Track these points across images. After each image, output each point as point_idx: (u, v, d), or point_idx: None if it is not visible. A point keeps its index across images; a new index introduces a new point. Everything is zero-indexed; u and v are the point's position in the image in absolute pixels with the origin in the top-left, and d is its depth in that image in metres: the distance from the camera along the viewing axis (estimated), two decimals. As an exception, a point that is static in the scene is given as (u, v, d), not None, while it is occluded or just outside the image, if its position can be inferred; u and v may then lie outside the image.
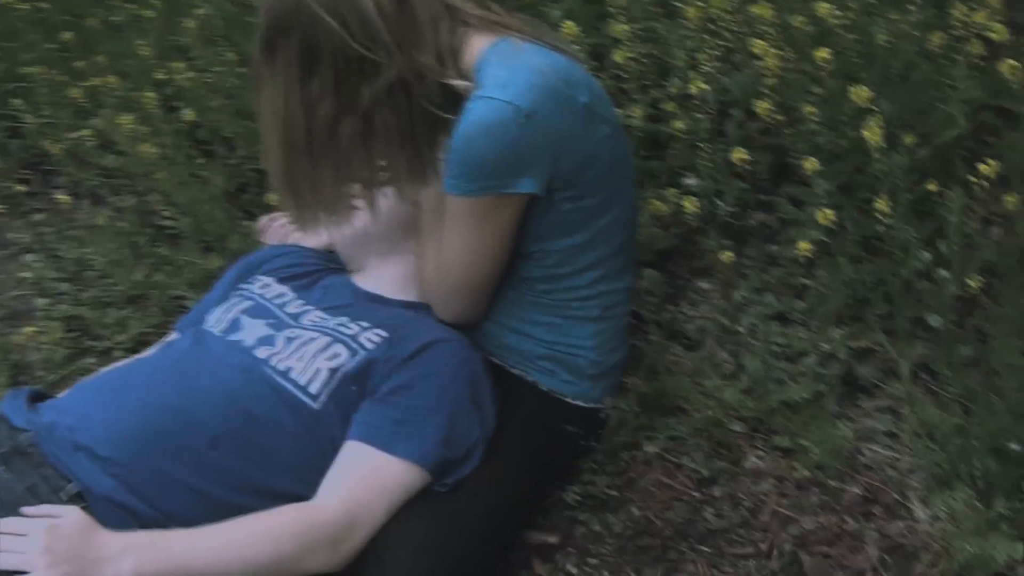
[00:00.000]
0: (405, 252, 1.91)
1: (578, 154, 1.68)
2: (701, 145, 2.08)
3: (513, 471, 1.75)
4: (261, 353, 1.72)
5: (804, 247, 1.89)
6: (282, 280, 1.92)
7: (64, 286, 2.54)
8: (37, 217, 2.80)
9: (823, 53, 1.85)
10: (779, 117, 1.96)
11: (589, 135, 1.70)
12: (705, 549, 1.78)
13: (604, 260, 1.81)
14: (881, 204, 1.79)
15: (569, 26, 2.05)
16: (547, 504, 1.86)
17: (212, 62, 2.46)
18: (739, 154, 1.96)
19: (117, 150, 2.55)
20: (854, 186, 1.96)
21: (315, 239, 2.09)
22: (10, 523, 1.49)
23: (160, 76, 2.53)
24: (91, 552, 1.47)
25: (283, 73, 1.60)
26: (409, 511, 1.63)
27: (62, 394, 1.78)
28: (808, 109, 1.92)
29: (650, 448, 1.93)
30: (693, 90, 2.06)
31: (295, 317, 1.82)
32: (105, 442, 1.60)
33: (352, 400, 1.68)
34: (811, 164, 1.88)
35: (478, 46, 1.66)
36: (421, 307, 1.86)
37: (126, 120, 2.34)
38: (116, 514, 1.55)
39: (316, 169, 1.66)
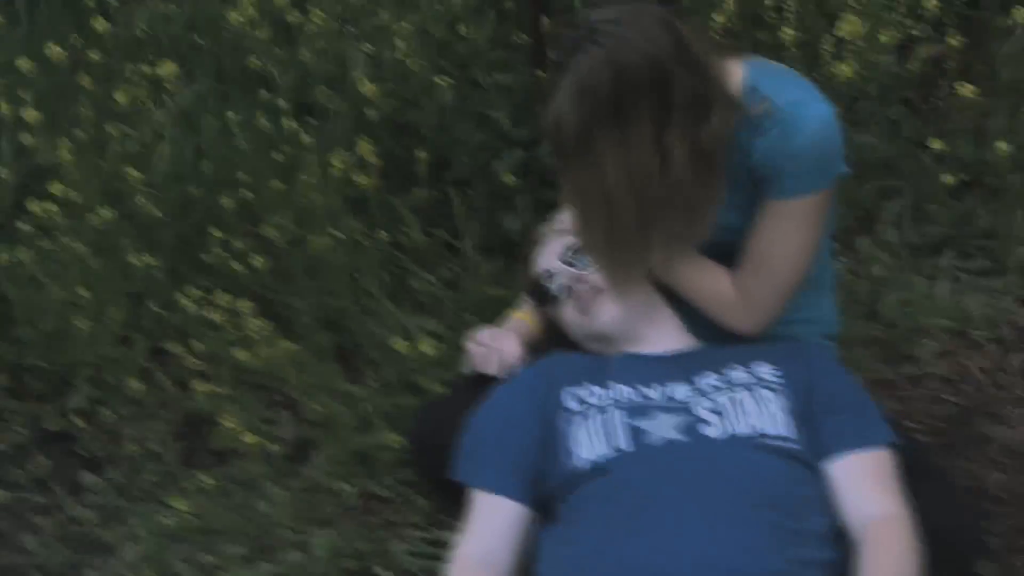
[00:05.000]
0: (661, 307, 1.98)
1: None
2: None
3: None
4: (713, 433, 1.73)
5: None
6: (594, 382, 1.87)
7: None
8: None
9: None
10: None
11: None
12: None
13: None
14: None
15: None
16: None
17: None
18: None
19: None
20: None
21: (517, 349, 2.05)
22: None
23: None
24: None
25: (635, 131, 1.66)
26: (915, 483, 1.74)
27: None
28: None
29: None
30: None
31: (671, 399, 1.80)
32: (739, 570, 1.57)
33: (803, 427, 1.76)
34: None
35: (737, 69, 1.79)
36: (712, 344, 1.95)
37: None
38: None
39: (666, 221, 1.76)
